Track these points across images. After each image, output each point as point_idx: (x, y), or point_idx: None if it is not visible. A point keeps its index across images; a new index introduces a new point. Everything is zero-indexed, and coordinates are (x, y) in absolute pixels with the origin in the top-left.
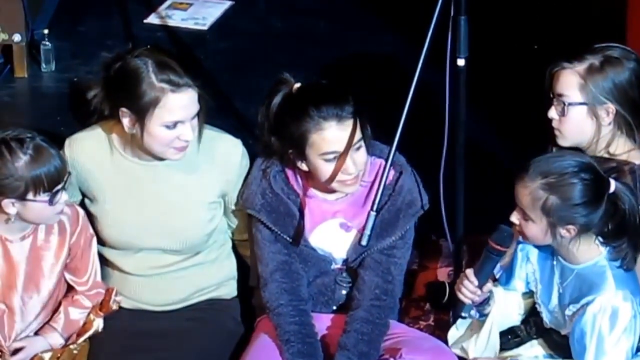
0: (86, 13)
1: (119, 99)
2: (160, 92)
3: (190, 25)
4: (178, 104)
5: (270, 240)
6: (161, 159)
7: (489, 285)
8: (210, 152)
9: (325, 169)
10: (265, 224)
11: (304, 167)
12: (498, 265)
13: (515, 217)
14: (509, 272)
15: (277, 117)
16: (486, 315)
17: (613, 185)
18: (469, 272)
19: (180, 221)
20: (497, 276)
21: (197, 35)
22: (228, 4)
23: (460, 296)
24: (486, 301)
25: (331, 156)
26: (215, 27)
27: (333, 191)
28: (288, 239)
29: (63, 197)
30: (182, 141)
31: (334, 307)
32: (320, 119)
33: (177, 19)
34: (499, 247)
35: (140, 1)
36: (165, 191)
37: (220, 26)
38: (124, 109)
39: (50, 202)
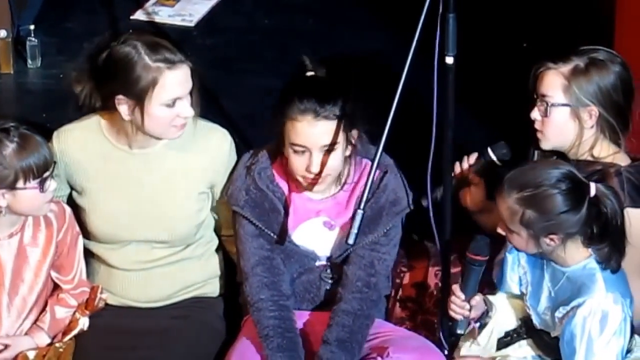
0: (72, 9)
1: (113, 88)
2: (157, 72)
3: (177, 21)
4: (176, 81)
5: (252, 236)
6: (154, 143)
7: (477, 298)
8: (199, 141)
9: (292, 160)
10: (250, 220)
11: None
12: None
13: (500, 229)
14: (501, 275)
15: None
16: (486, 325)
17: (593, 188)
18: (455, 287)
19: (170, 211)
20: (496, 281)
21: (183, 32)
22: (215, 0)
23: (452, 313)
24: (485, 313)
25: (298, 149)
26: (202, 23)
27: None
28: (272, 234)
29: (52, 184)
30: (182, 118)
31: (320, 304)
32: (298, 110)
33: (164, 15)
34: (478, 258)
35: None
36: (156, 180)
37: (207, 23)
38: (120, 97)
39: (41, 188)
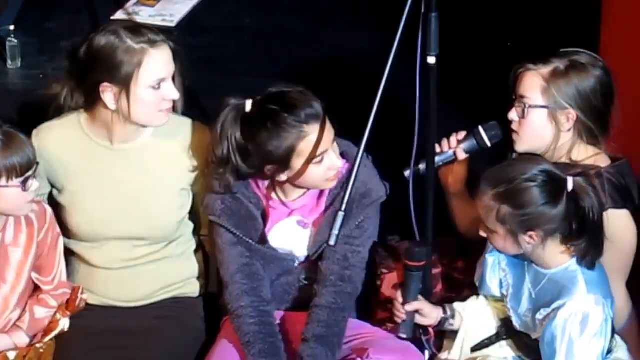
0: (53, 9)
1: (97, 77)
2: (141, 54)
3: (157, 21)
4: (160, 60)
5: (230, 244)
6: (136, 137)
7: (415, 304)
8: (181, 137)
9: (316, 172)
10: (227, 228)
11: (282, 178)
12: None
13: (481, 231)
14: (482, 279)
15: (245, 141)
16: (455, 332)
17: (571, 183)
18: (398, 292)
19: (151, 206)
20: (477, 284)
21: (164, 32)
22: (196, 0)
23: (395, 317)
24: (445, 321)
25: (321, 157)
26: (183, 23)
27: (292, 193)
28: (250, 241)
29: (34, 184)
30: (168, 101)
31: (298, 305)
32: (302, 125)
33: (145, 16)
34: (415, 264)
35: None
36: (137, 176)
37: (188, 23)
38: (105, 85)
39: (23, 187)
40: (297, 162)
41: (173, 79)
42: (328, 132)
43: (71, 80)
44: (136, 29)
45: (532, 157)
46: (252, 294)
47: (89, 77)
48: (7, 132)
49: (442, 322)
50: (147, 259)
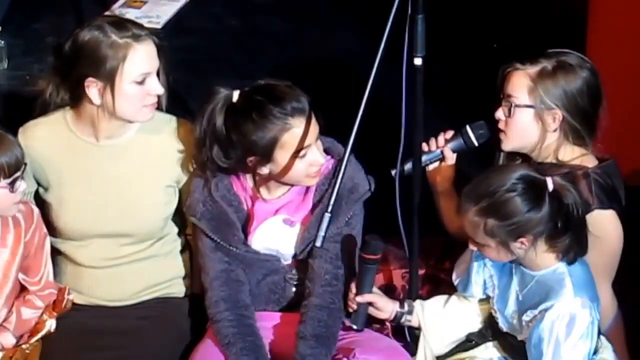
0: (40, 10)
1: (81, 72)
2: (125, 48)
3: (144, 23)
4: (144, 54)
5: (210, 249)
6: (121, 133)
7: (367, 296)
8: (166, 134)
9: (298, 167)
10: (206, 233)
11: (264, 171)
12: None
13: (471, 246)
14: (466, 278)
15: (228, 130)
16: (414, 329)
17: (550, 183)
18: (353, 284)
19: (137, 202)
20: (455, 283)
21: (151, 34)
22: (182, 1)
23: (348, 307)
24: (401, 315)
25: (304, 152)
26: (169, 25)
27: (276, 189)
28: (229, 246)
29: (22, 185)
30: (153, 96)
31: (285, 305)
32: (287, 117)
33: (131, 17)
34: (372, 257)
35: None
36: (123, 172)
37: (174, 24)
38: (90, 79)
39: (11, 188)
40: (279, 155)
41: (158, 74)
42: (313, 127)
43: (56, 76)
44: (121, 23)
45: (507, 166)
46: (229, 301)
47: (74, 72)
48: None
49: (398, 316)
50: (133, 257)
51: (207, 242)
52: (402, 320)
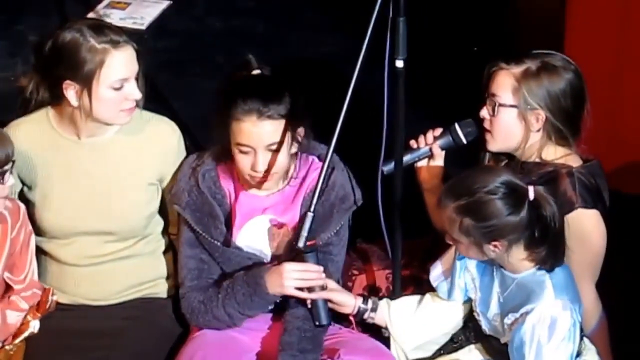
0: (23, 12)
1: (60, 74)
2: (102, 54)
3: (128, 24)
4: (122, 61)
5: (189, 244)
6: (103, 132)
7: (321, 293)
8: (148, 132)
9: (238, 160)
10: (189, 223)
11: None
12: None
13: (447, 240)
14: (450, 283)
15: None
16: (382, 329)
17: (532, 192)
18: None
19: (119, 201)
20: (435, 285)
21: (135, 35)
22: (166, 3)
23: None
24: (364, 311)
25: (244, 149)
26: (153, 26)
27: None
28: (210, 239)
29: (10, 180)
30: (131, 101)
31: (270, 307)
32: (242, 110)
33: (115, 18)
34: (309, 244)
35: (78, 0)
36: (105, 170)
37: (158, 26)
38: (67, 82)
39: (1, 179)
40: (231, 141)
41: (137, 78)
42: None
43: (37, 74)
44: (99, 28)
45: (492, 168)
46: (203, 292)
47: (53, 72)
48: None
49: (361, 312)
50: (116, 255)
51: (187, 235)
52: (366, 316)
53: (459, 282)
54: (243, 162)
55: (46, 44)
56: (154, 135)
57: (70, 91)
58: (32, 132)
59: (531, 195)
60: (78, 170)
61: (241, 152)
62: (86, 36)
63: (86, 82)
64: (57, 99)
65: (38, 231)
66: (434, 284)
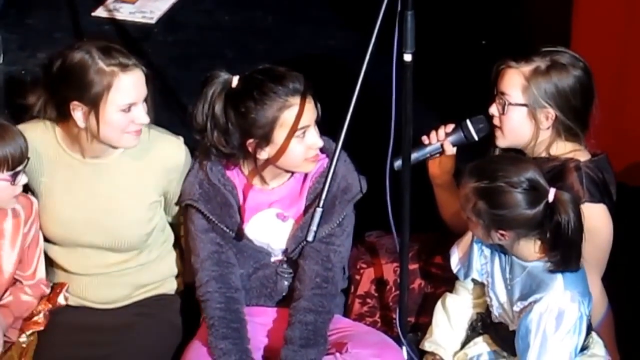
0: (34, 6)
1: (68, 95)
2: (111, 76)
3: (137, 18)
4: (130, 84)
5: (203, 231)
6: (108, 154)
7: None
8: (153, 154)
9: (296, 148)
10: (203, 213)
11: (263, 155)
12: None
13: (462, 213)
14: (467, 265)
15: (228, 114)
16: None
17: (552, 194)
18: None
19: (118, 220)
20: (455, 271)
21: (144, 29)
22: None
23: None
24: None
25: (302, 132)
26: (162, 20)
27: (272, 179)
28: (225, 228)
29: (23, 179)
30: (138, 125)
31: (278, 300)
32: (288, 96)
33: (125, 12)
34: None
35: None
36: (106, 190)
37: (167, 20)
38: (75, 103)
39: (13, 181)
40: (279, 135)
41: (146, 100)
42: (312, 108)
43: (45, 92)
44: (109, 50)
45: (522, 160)
46: (220, 281)
47: (60, 92)
48: (1, 123)
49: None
50: (123, 265)
51: (199, 223)
52: None
53: (476, 264)
54: (299, 147)
55: (55, 63)
56: (159, 157)
57: (78, 112)
58: (38, 140)
59: (550, 197)
60: (80, 188)
61: (298, 137)
62: (95, 58)
63: (94, 104)
64: (64, 118)
65: (43, 237)
66: (454, 270)
